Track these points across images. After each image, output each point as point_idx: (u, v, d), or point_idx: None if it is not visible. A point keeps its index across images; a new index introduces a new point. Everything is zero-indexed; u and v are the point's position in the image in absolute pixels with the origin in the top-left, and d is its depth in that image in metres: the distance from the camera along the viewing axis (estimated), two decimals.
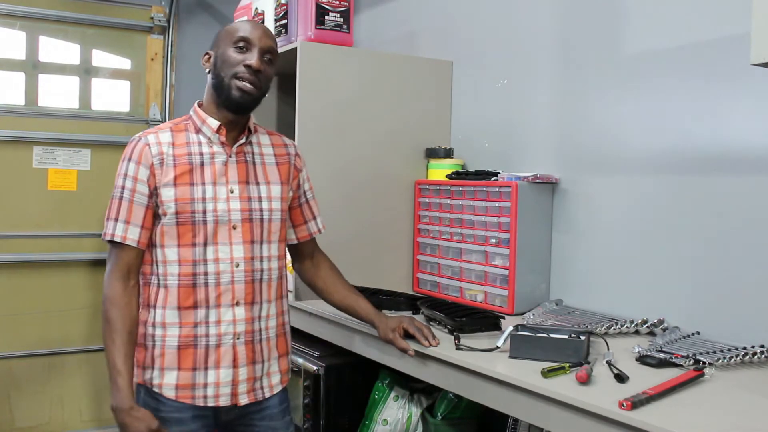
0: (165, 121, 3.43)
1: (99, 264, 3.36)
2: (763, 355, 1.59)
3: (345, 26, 2.50)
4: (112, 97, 3.43)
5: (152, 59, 3.45)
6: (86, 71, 3.36)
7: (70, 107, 3.33)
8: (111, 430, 3.40)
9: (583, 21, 2.17)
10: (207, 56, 1.66)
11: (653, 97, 1.96)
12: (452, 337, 1.74)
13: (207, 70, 1.66)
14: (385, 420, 2.19)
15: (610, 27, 2.08)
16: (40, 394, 3.26)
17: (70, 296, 3.30)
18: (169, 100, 3.46)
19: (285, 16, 2.56)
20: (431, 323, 1.91)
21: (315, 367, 2.20)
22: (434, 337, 1.73)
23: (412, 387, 2.23)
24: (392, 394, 2.22)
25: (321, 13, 2.45)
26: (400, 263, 2.56)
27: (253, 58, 1.58)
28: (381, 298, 2.16)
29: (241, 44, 1.59)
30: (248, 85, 1.58)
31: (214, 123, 1.63)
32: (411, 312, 2.08)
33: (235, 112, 1.62)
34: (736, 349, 1.60)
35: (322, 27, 2.45)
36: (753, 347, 1.60)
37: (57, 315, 3.28)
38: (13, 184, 3.18)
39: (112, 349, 1.54)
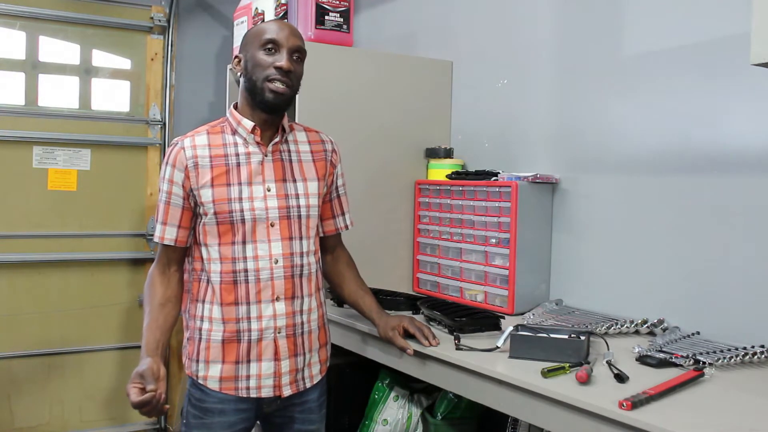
0: (165, 121, 3.44)
1: (99, 264, 3.36)
2: (763, 355, 1.59)
3: (345, 26, 2.50)
4: (112, 97, 3.42)
5: (152, 59, 3.45)
6: (86, 71, 3.36)
7: (70, 107, 3.32)
8: (111, 430, 3.41)
9: (583, 21, 2.17)
10: (237, 60, 1.69)
11: (653, 97, 1.96)
12: (452, 337, 1.74)
13: (238, 74, 1.69)
14: (385, 420, 2.19)
15: (610, 27, 2.08)
16: (40, 394, 3.26)
17: (69, 296, 3.30)
18: (169, 100, 3.46)
19: (285, 16, 2.57)
20: (431, 323, 1.91)
21: None
22: (434, 337, 1.74)
23: (412, 387, 2.23)
24: (392, 394, 2.22)
25: (321, 13, 2.45)
26: (400, 263, 2.56)
27: (282, 59, 1.60)
28: (381, 298, 2.16)
29: (269, 46, 1.62)
30: (281, 86, 1.61)
31: (249, 124, 1.66)
32: (411, 312, 2.08)
33: (270, 113, 1.66)
34: (736, 349, 1.60)
35: (322, 27, 2.46)
36: (753, 347, 1.60)
37: (57, 315, 3.28)
38: (13, 184, 3.18)
39: (144, 316, 1.65)
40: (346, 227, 1.88)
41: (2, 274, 3.18)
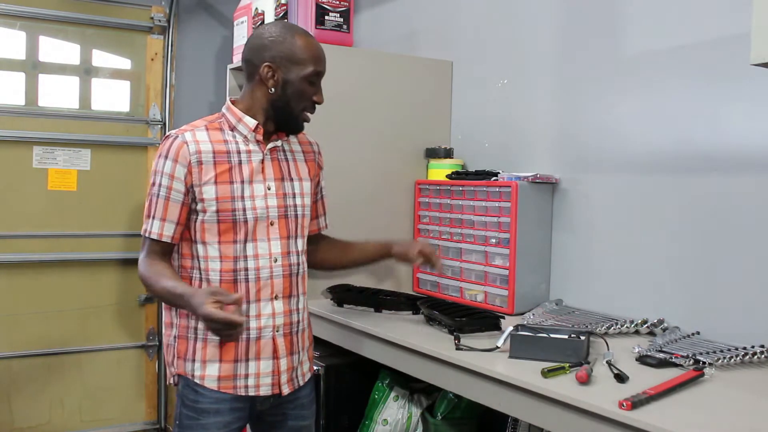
0: (165, 121, 3.44)
1: (99, 264, 3.36)
2: (763, 355, 1.59)
3: (345, 26, 2.50)
4: (112, 97, 3.42)
5: (152, 59, 3.45)
6: (86, 71, 3.36)
7: (70, 107, 3.32)
8: (111, 430, 3.41)
9: (583, 21, 2.17)
10: (270, 71, 1.62)
11: (653, 97, 1.96)
12: (452, 337, 1.75)
13: (270, 87, 1.63)
14: (385, 420, 2.19)
15: (610, 27, 2.08)
16: (40, 394, 3.26)
17: (69, 296, 3.30)
18: (169, 100, 3.46)
19: (285, 16, 2.56)
20: (431, 323, 1.91)
21: (315, 367, 2.20)
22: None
23: (412, 387, 2.23)
24: (392, 394, 2.22)
25: (321, 13, 2.45)
26: (400, 263, 2.55)
27: (320, 94, 1.69)
28: (381, 298, 2.17)
29: (314, 79, 1.66)
30: (310, 115, 1.70)
31: (251, 122, 1.65)
32: (411, 312, 2.08)
33: (287, 134, 1.72)
34: (736, 349, 1.60)
35: (322, 27, 2.45)
36: (753, 347, 1.60)
37: (57, 315, 3.27)
38: (13, 184, 3.18)
39: (159, 288, 1.57)
40: (325, 227, 1.93)
41: (2, 274, 3.17)
